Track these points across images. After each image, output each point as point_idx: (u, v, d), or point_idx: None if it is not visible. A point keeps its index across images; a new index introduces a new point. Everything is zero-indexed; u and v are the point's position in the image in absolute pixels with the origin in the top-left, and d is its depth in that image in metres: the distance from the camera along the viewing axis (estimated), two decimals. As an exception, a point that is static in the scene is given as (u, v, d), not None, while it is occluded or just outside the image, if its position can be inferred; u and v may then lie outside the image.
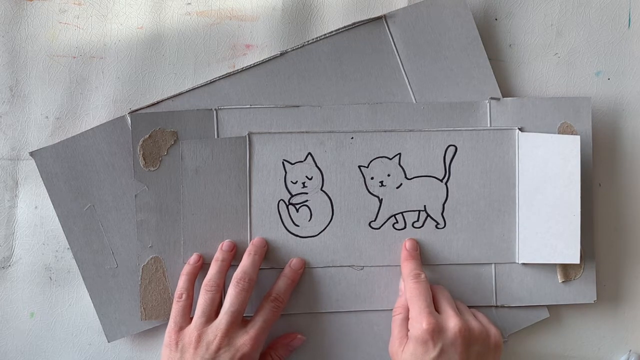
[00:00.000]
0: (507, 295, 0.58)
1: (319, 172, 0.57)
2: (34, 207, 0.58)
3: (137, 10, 0.59)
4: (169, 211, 0.56)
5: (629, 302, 0.60)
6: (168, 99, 0.57)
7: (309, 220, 0.57)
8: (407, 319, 0.53)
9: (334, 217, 0.57)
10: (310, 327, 0.57)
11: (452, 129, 0.57)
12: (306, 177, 0.57)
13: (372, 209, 0.57)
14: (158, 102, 0.57)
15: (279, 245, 0.57)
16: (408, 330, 0.52)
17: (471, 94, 0.58)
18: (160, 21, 0.59)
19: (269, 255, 0.57)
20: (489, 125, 0.57)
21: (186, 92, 0.57)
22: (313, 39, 0.57)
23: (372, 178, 0.57)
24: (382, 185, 0.57)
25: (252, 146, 0.56)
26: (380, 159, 0.57)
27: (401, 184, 0.57)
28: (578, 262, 0.55)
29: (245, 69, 0.57)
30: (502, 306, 0.58)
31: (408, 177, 0.57)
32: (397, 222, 0.57)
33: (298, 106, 0.57)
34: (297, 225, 0.57)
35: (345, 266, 0.57)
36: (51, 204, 0.56)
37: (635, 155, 0.60)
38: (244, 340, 0.51)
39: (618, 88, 0.60)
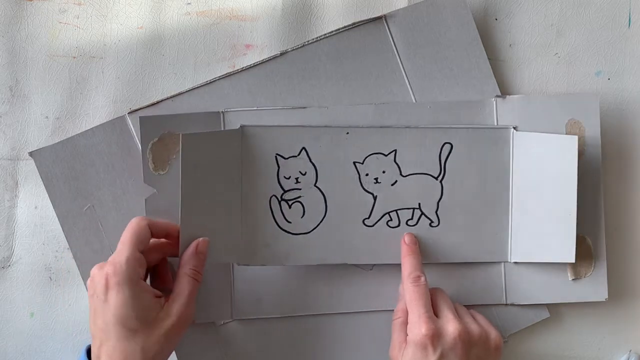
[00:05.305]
0: (516, 293, 0.57)
1: (313, 167, 0.56)
2: (34, 207, 0.58)
3: (137, 10, 0.59)
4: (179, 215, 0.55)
5: (629, 302, 0.60)
6: (168, 98, 0.57)
7: (302, 217, 0.56)
8: (406, 322, 0.53)
9: (327, 213, 0.56)
10: (310, 328, 0.57)
11: (448, 126, 0.56)
12: (300, 172, 0.56)
13: (366, 206, 0.56)
14: (158, 102, 0.57)
15: (270, 242, 0.56)
16: (407, 334, 0.52)
17: (471, 94, 0.58)
18: (160, 21, 0.59)
19: (260, 252, 0.55)
20: (495, 123, 0.57)
21: (186, 92, 0.57)
22: (313, 39, 0.57)
23: (367, 175, 0.56)
24: (376, 182, 0.56)
25: (244, 139, 0.55)
26: (375, 155, 0.56)
27: (396, 181, 0.56)
28: (573, 261, 0.55)
29: (245, 69, 0.57)
30: (512, 304, 0.57)
31: (403, 174, 0.56)
32: (391, 219, 0.56)
33: (305, 107, 0.57)
34: (289, 222, 0.56)
35: (341, 265, 0.57)
36: (51, 204, 0.56)
37: (636, 155, 0.60)
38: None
39: (618, 88, 0.60)
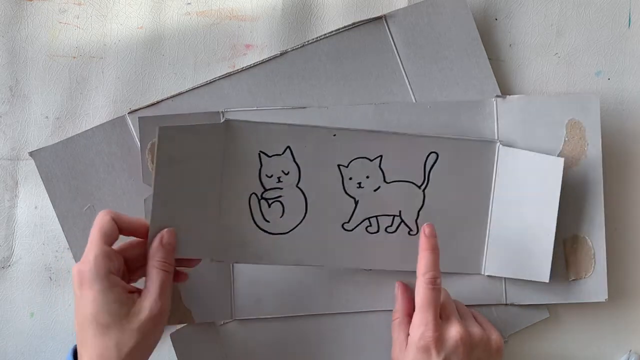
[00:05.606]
0: (516, 293, 0.57)
1: (296, 167, 0.54)
2: (34, 207, 0.58)
3: (137, 10, 0.59)
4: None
5: (629, 302, 0.60)
6: (168, 98, 0.57)
7: (281, 217, 0.54)
8: (405, 322, 0.53)
9: (307, 215, 0.55)
10: (311, 328, 0.57)
11: (436, 135, 0.56)
12: (282, 171, 0.54)
13: (346, 210, 0.55)
14: (158, 102, 0.57)
15: (246, 240, 0.54)
16: (408, 334, 0.51)
17: (471, 94, 0.58)
18: (160, 21, 0.59)
19: (235, 249, 0.54)
20: (495, 123, 0.57)
21: (186, 92, 0.57)
22: (313, 39, 0.57)
23: (350, 178, 0.55)
24: (359, 186, 0.55)
25: (228, 134, 0.53)
26: (361, 159, 0.55)
27: (379, 187, 0.55)
28: (547, 280, 0.55)
29: (245, 69, 0.57)
30: (512, 304, 0.57)
31: (387, 180, 0.55)
32: (370, 225, 0.55)
33: (305, 107, 0.57)
34: (268, 221, 0.54)
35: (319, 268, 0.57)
36: (51, 204, 0.56)
37: (636, 155, 0.60)
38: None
39: (618, 88, 0.60)
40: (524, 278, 0.56)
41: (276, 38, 0.59)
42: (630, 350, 0.60)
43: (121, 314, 0.47)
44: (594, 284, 0.57)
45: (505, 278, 0.57)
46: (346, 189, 0.55)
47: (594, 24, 0.60)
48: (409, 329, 0.52)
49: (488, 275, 0.57)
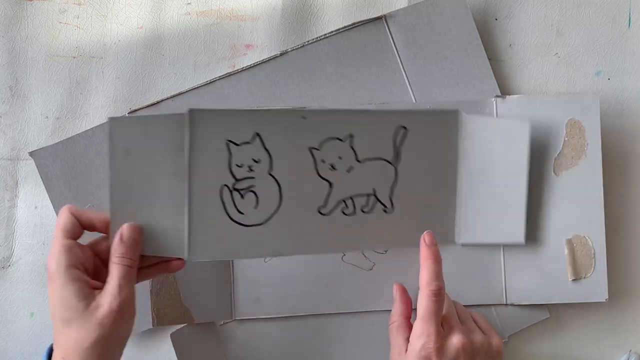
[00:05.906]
0: (516, 293, 0.57)
1: (267, 154, 0.52)
2: (34, 207, 0.58)
3: (137, 10, 0.59)
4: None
5: (629, 302, 0.60)
6: (168, 98, 0.57)
7: (255, 207, 0.52)
8: (403, 326, 0.52)
9: (282, 203, 0.53)
10: (310, 328, 0.58)
11: (403, 109, 0.55)
12: (253, 160, 0.52)
13: (321, 194, 0.53)
14: (158, 102, 0.57)
15: (221, 235, 0.51)
16: (406, 338, 0.51)
17: (471, 94, 0.58)
18: (160, 21, 0.59)
19: (209, 245, 0.52)
20: None
21: (186, 92, 0.57)
22: (313, 39, 0.57)
23: (323, 161, 0.53)
24: (333, 168, 0.53)
25: (192, 125, 0.49)
26: (332, 140, 0.53)
27: (352, 167, 0.54)
28: (523, 242, 0.55)
29: (245, 69, 0.57)
30: (512, 304, 0.57)
31: (359, 159, 0.54)
32: (346, 207, 0.54)
33: (305, 107, 0.57)
34: (242, 213, 0.51)
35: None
36: (51, 204, 0.56)
37: (636, 155, 0.60)
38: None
39: (618, 88, 0.60)
40: (499, 242, 0.56)
41: (276, 38, 0.59)
42: (630, 350, 0.60)
43: (80, 309, 0.46)
44: (594, 284, 0.57)
45: (505, 278, 0.57)
46: (319, 172, 0.53)
47: (594, 24, 0.60)
48: (407, 332, 0.52)
49: (462, 244, 0.56)
